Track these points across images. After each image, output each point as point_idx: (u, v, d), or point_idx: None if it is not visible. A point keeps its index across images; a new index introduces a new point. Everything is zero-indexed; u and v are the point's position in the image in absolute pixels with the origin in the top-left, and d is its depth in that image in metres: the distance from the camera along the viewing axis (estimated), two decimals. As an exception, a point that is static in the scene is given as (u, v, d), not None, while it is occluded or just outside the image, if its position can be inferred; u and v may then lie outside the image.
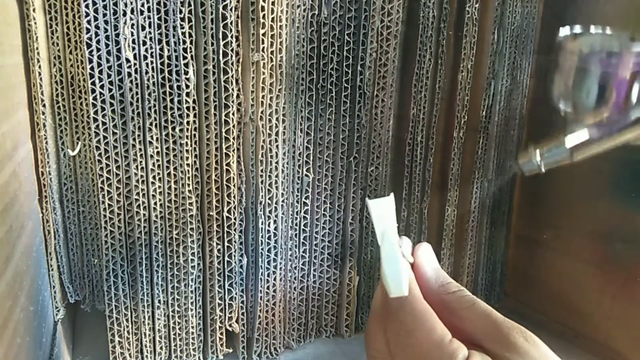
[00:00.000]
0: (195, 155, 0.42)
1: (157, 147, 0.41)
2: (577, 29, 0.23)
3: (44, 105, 0.43)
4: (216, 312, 0.45)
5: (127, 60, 0.38)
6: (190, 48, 0.39)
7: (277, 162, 0.44)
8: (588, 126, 0.23)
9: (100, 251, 0.44)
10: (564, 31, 0.23)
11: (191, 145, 0.41)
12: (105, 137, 0.39)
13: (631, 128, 0.22)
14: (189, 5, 0.39)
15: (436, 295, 0.26)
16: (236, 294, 0.46)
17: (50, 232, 0.45)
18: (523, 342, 0.22)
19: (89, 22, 0.37)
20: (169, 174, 0.41)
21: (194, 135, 0.41)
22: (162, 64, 0.39)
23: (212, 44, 0.40)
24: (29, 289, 0.36)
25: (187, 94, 0.40)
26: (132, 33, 0.38)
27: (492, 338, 0.23)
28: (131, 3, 0.37)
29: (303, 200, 0.47)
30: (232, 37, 0.40)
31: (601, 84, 0.22)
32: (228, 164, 0.42)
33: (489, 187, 0.53)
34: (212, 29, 0.39)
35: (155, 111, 0.40)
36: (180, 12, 0.38)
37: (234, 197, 0.43)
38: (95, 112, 0.39)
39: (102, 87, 0.38)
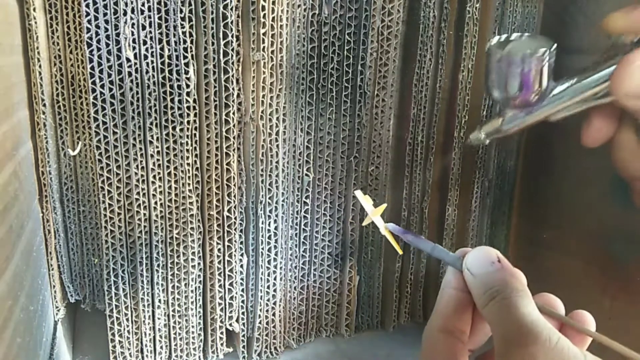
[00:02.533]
0: (196, 155, 0.42)
1: (157, 147, 0.41)
2: (502, 37, 0.30)
3: (44, 105, 0.43)
4: (216, 311, 0.45)
5: (128, 60, 0.38)
6: (191, 47, 0.39)
7: (277, 162, 0.44)
8: (511, 109, 0.31)
9: (100, 250, 0.44)
10: (492, 40, 0.31)
11: (191, 145, 0.41)
12: (105, 137, 0.39)
13: (541, 110, 0.30)
14: (190, 4, 0.38)
15: (480, 308, 0.25)
16: (236, 293, 0.46)
17: (51, 231, 0.45)
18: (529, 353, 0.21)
19: (89, 21, 0.37)
20: (169, 174, 0.41)
21: (195, 134, 0.41)
22: (162, 63, 0.39)
23: (213, 43, 0.40)
24: (29, 288, 0.36)
25: (188, 94, 0.40)
26: (132, 32, 0.38)
27: (505, 347, 0.22)
28: (131, 2, 0.37)
29: (303, 200, 0.47)
30: (232, 36, 0.40)
31: (514, 78, 0.29)
32: (228, 164, 0.42)
33: (489, 187, 0.53)
34: (212, 28, 0.39)
35: (155, 110, 0.40)
36: (181, 11, 0.38)
37: (235, 196, 0.43)
38: (96, 112, 0.39)
39: (102, 86, 0.38)
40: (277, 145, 0.44)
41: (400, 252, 0.32)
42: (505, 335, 0.22)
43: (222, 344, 0.47)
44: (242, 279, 0.46)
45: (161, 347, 0.45)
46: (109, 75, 0.38)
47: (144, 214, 0.42)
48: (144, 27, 0.38)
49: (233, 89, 0.41)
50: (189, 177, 0.42)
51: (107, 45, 0.38)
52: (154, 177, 0.41)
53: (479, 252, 0.26)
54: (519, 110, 0.31)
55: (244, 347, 0.47)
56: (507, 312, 0.23)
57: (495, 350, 0.23)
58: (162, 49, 0.39)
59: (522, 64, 0.29)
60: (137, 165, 0.40)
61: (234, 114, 0.41)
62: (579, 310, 0.26)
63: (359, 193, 0.32)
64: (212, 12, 0.39)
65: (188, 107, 0.40)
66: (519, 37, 0.30)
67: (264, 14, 0.40)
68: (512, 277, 0.25)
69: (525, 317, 0.22)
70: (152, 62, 0.39)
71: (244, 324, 0.47)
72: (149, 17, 0.38)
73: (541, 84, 0.29)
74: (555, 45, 0.29)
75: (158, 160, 0.41)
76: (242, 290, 0.46)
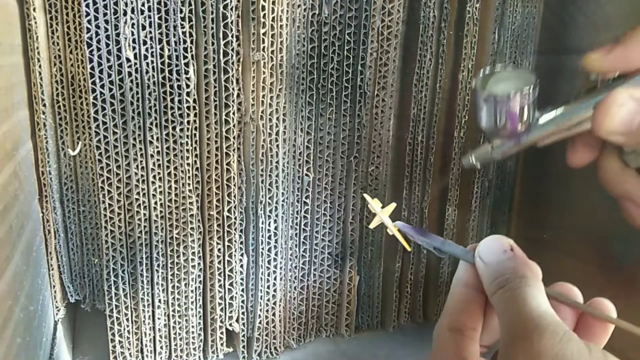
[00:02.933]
0: (196, 155, 0.42)
1: (157, 147, 0.41)
2: (487, 71, 0.32)
3: (44, 105, 0.43)
4: (216, 311, 0.45)
5: (128, 60, 0.38)
6: (191, 47, 0.39)
7: (277, 162, 0.44)
8: (499, 139, 0.33)
9: (100, 250, 0.44)
10: (478, 76, 0.32)
11: (191, 145, 0.41)
12: (105, 137, 0.39)
13: (528, 138, 0.32)
14: (190, 4, 0.38)
15: (489, 296, 0.24)
16: (236, 293, 0.46)
17: (51, 231, 0.45)
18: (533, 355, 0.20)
19: (89, 21, 0.37)
20: (169, 174, 0.41)
21: (195, 134, 0.41)
22: (162, 63, 0.39)
23: (213, 43, 0.40)
24: (29, 288, 0.36)
25: (188, 94, 0.40)
26: (132, 32, 0.38)
27: (510, 339, 0.22)
28: (131, 2, 0.37)
29: (303, 200, 0.47)
30: (232, 36, 0.40)
31: (501, 115, 0.31)
32: (228, 164, 0.42)
33: (489, 187, 0.53)
34: (212, 28, 0.39)
35: (155, 110, 0.40)
36: (181, 11, 0.38)
37: (235, 196, 0.43)
38: (96, 112, 0.39)
39: (102, 86, 0.38)
40: (277, 145, 0.44)
41: (409, 248, 0.33)
42: (511, 326, 0.22)
43: (222, 344, 0.47)
44: (242, 279, 0.46)
45: (161, 347, 0.45)
46: (109, 76, 0.38)
47: (144, 214, 0.42)
48: (144, 27, 0.38)
49: (233, 89, 0.41)
50: (189, 177, 0.42)
51: (107, 45, 0.38)
52: (154, 177, 0.41)
53: (492, 240, 0.26)
54: (507, 138, 0.33)
55: (244, 347, 0.47)
56: (514, 303, 0.23)
57: (500, 340, 0.22)
58: (162, 49, 0.39)
59: (507, 102, 0.30)
60: (137, 166, 0.40)
61: (234, 114, 0.41)
62: (599, 297, 0.25)
63: (367, 196, 0.33)
64: (212, 12, 0.39)
65: (188, 107, 0.40)
66: (503, 71, 0.31)
67: (264, 14, 0.40)
68: (524, 266, 0.25)
69: (533, 309, 0.22)
70: (152, 62, 0.39)
71: (244, 324, 0.47)
72: (149, 17, 0.38)
73: (527, 117, 0.31)
74: (538, 79, 0.31)
75: (158, 160, 0.41)
76: (242, 290, 0.46)
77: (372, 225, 0.33)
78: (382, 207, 0.33)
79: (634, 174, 0.29)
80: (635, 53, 0.28)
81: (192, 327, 0.45)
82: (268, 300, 0.47)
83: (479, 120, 0.32)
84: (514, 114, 0.30)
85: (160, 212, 0.42)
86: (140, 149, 0.40)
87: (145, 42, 0.38)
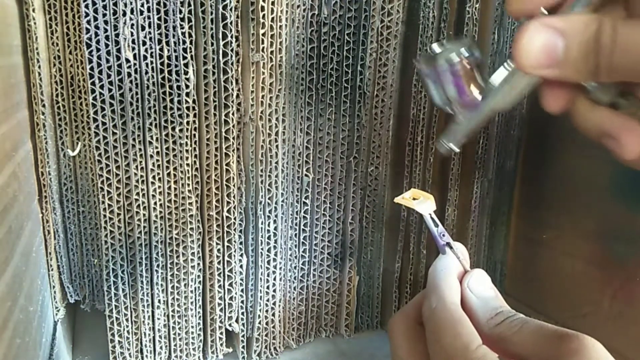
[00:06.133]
0: (195, 155, 0.42)
1: (156, 147, 0.41)
2: (428, 51, 0.32)
3: (43, 106, 0.43)
4: (216, 311, 0.45)
5: (127, 61, 0.38)
6: (190, 48, 0.39)
7: (277, 162, 0.44)
8: (460, 112, 0.32)
9: (100, 251, 0.44)
10: (419, 57, 0.32)
11: (191, 145, 0.41)
12: (105, 137, 0.39)
13: (489, 102, 0.31)
14: (189, 5, 0.38)
15: (487, 329, 0.25)
16: (236, 293, 0.46)
17: (50, 232, 0.45)
18: (572, 351, 0.21)
19: (88, 22, 0.37)
20: (168, 174, 0.41)
21: (194, 135, 0.41)
22: (162, 64, 0.39)
23: (212, 44, 0.40)
24: (28, 289, 0.36)
25: (187, 94, 0.40)
26: (131, 33, 0.38)
27: (542, 355, 0.22)
28: (131, 3, 0.37)
29: (303, 200, 0.47)
30: (232, 37, 0.40)
31: (449, 85, 0.30)
32: (228, 164, 0.42)
33: (489, 187, 0.53)
34: (212, 29, 0.39)
35: (155, 111, 0.40)
36: (180, 12, 0.38)
37: (234, 197, 0.43)
38: (95, 112, 0.39)
39: (101, 87, 0.38)
40: (277, 146, 0.44)
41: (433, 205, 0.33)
42: (542, 341, 0.23)
43: (221, 344, 0.47)
44: (241, 280, 0.46)
45: (161, 348, 0.45)
46: (109, 76, 0.38)
47: (144, 215, 0.42)
48: (143, 28, 0.38)
49: (232, 89, 0.41)
50: (188, 178, 0.42)
51: (107, 46, 0.38)
52: (154, 177, 0.41)
53: (482, 275, 0.28)
54: (467, 110, 0.33)
55: (243, 347, 0.47)
56: (534, 324, 0.24)
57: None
58: (161, 49, 0.39)
59: (449, 69, 0.30)
60: (137, 166, 0.40)
61: (233, 114, 0.41)
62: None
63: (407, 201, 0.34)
64: (212, 13, 0.39)
65: (187, 108, 0.40)
66: (441, 46, 0.31)
67: (264, 15, 0.40)
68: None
69: (549, 325, 0.23)
70: (152, 62, 0.39)
71: (243, 324, 0.47)
72: (149, 17, 0.38)
73: (476, 82, 0.31)
74: (475, 42, 0.31)
75: (157, 160, 0.41)
76: (242, 290, 0.46)
77: (398, 200, 0.33)
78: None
79: (605, 110, 0.28)
80: None
81: (192, 327, 0.45)
82: (267, 300, 0.47)
83: (433, 100, 0.32)
84: (459, 80, 0.30)
85: (160, 212, 0.42)
86: (140, 149, 0.40)
87: (144, 43, 0.38)
